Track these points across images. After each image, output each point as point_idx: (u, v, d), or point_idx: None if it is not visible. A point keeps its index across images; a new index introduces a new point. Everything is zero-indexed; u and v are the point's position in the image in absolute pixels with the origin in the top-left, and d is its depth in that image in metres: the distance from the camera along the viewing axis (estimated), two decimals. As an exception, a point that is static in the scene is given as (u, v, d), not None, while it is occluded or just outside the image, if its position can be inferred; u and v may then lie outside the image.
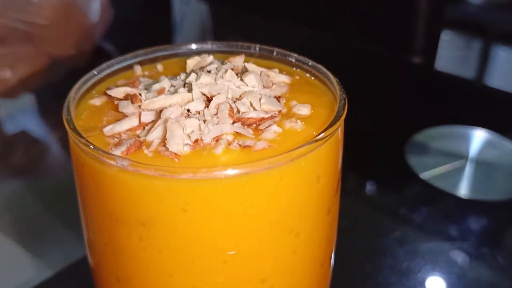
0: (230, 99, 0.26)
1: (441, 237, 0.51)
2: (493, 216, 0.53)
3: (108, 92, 0.27)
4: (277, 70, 0.30)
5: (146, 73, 0.31)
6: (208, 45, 0.32)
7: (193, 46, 0.32)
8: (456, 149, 0.63)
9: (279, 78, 0.29)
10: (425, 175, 0.59)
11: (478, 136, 0.66)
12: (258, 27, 0.98)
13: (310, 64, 0.30)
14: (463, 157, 0.62)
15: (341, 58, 0.89)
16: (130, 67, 0.31)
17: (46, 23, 0.73)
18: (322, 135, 0.23)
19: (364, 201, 0.57)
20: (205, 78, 0.26)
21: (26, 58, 0.73)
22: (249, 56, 0.32)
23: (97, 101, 0.28)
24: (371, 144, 0.67)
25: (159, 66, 0.31)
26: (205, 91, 0.25)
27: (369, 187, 0.60)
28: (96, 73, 0.29)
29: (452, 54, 0.92)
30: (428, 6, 0.82)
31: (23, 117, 0.76)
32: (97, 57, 0.83)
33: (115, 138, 0.24)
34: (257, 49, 0.32)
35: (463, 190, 0.57)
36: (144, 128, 0.25)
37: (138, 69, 0.30)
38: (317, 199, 0.25)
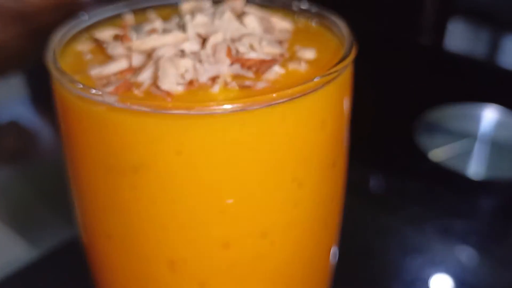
0: (229, 39, 0.24)
1: (449, 216, 0.50)
2: (503, 195, 0.52)
3: (96, 34, 0.25)
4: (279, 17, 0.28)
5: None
6: (204, -5, 0.30)
7: (188, -5, 0.30)
8: (465, 128, 0.62)
9: (282, 25, 0.27)
10: (433, 154, 0.57)
11: (488, 115, 0.65)
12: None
13: (314, 10, 0.28)
14: (473, 136, 0.60)
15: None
16: (119, 16, 0.29)
17: (38, 1, 0.71)
18: (328, 73, 0.21)
19: (372, 179, 0.56)
20: (201, 18, 0.24)
21: (17, 36, 0.72)
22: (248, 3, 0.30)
23: (84, 47, 0.26)
24: (380, 122, 0.65)
25: (152, 15, 0.29)
26: (201, 31, 0.24)
27: (377, 166, 0.59)
28: (83, 19, 0.27)
29: (462, 36, 0.90)
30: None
31: (13, 102, 0.75)
32: (75, 12, 0.82)
33: (104, 80, 0.22)
34: (257, -2, 0.30)
35: (472, 169, 0.56)
36: (134, 72, 0.23)
37: (129, 17, 0.28)
38: (322, 147, 0.23)
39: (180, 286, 0.24)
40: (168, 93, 0.21)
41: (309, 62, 0.24)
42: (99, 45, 0.25)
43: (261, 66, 0.23)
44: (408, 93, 0.72)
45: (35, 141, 0.68)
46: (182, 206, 0.21)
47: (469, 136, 0.60)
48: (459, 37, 0.84)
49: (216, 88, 0.21)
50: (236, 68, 0.22)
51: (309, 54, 0.24)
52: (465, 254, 0.46)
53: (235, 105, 0.19)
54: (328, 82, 0.22)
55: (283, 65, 0.23)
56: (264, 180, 0.22)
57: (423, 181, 0.56)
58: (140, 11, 0.29)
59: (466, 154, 0.58)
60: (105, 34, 0.25)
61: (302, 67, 0.23)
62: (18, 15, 0.72)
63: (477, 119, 0.64)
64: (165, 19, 0.28)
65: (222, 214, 0.22)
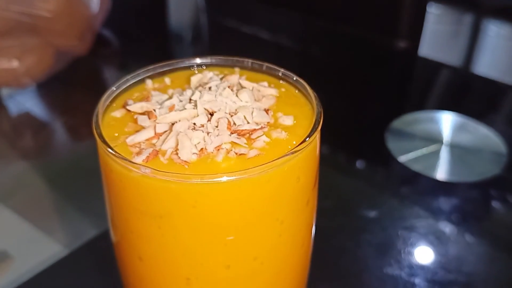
0: (228, 113, 0.32)
1: (417, 215, 0.57)
2: (466, 196, 0.59)
3: (128, 107, 0.33)
4: (266, 84, 0.36)
5: (156, 85, 0.36)
6: (208, 60, 0.38)
7: (197, 61, 0.38)
8: (432, 134, 0.69)
9: (268, 92, 0.35)
10: (403, 159, 0.64)
11: (454, 121, 0.71)
12: (251, 9, 1.03)
13: (294, 78, 0.36)
14: (439, 141, 0.67)
15: (329, 42, 0.94)
16: (142, 81, 0.37)
17: (50, 15, 0.77)
18: (300, 146, 0.30)
19: (346, 184, 0.63)
20: (207, 96, 0.32)
21: (33, 49, 0.78)
22: (243, 68, 0.38)
23: (118, 114, 0.33)
24: (353, 130, 0.73)
25: (167, 80, 0.37)
26: (208, 107, 0.31)
27: (351, 171, 0.65)
28: (115, 89, 0.34)
29: (437, 40, 0.95)
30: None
31: (30, 103, 0.80)
32: (98, 45, 0.89)
33: (136, 147, 0.30)
34: (250, 63, 0.38)
35: (438, 172, 0.62)
36: (159, 137, 0.31)
37: (149, 83, 0.36)
38: (297, 194, 0.31)
39: (194, 295, 0.32)
40: (185, 162, 0.29)
41: (288, 128, 0.32)
42: (130, 113, 0.33)
43: (252, 134, 0.31)
44: (384, 100, 0.79)
45: (50, 138, 0.74)
46: (195, 241, 0.30)
47: (435, 141, 0.68)
48: (434, 42, 0.90)
49: (220, 158, 0.29)
50: (234, 137, 0.30)
51: (288, 121, 0.32)
52: (429, 251, 0.52)
53: (233, 177, 0.28)
54: (301, 151, 0.30)
55: (268, 134, 0.31)
56: (255, 222, 0.30)
57: (393, 183, 0.64)
58: (158, 75, 0.37)
59: (432, 158, 0.65)
60: (135, 107, 0.33)
61: (283, 136, 0.31)
62: (32, 28, 0.77)
63: (442, 125, 0.71)
64: (177, 82, 0.36)
65: (225, 246, 0.30)
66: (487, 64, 0.91)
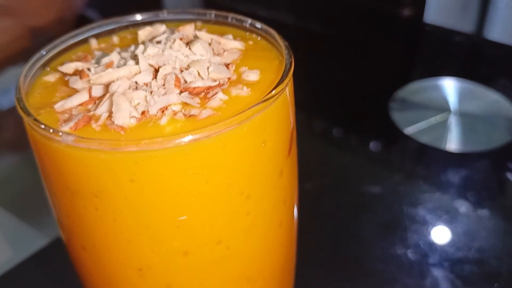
0: (178, 69, 0.26)
1: (424, 189, 0.52)
2: (477, 167, 0.54)
3: (59, 68, 0.27)
4: (231, 36, 0.30)
5: (103, 45, 0.31)
6: (164, 14, 0.32)
7: (149, 15, 0.32)
8: (439, 102, 0.64)
9: (232, 45, 0.29)
10: (409, 130, 0.59)
11: (461, 88, 0.66)
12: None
13: (260, 27, 0.30)
14: (447, 109, 0.62)
15: (331, 12, 0.88)
16: (86, 40, 0.31)
17: None
18: (263, 100, 0.24)
19: (347, 159, 0.58)
20: (152, 50, 0.26)
21: (6, 31, 0.73)
22: (205, 22, 0.32)
23: (51, 78, 0.28)
24: (355, 101, 0.67)
25: (115, 38, 0.31)
26: (153, 63, 0.26)
27: (352, 145, 0.60)
28: (44, 53, 0.29)
29: (443, 3, 0.89)
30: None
31: (11, 92, 0.76)
32: (80, 25, 0.83)
33: (66, 114, 0.25)
34: (213, 15, 0.32)
35: (447, 143, 0.57)
36: (95, 102, 0.25)
37: (93, 43, 0.31)
38: (265, 162, 0.26)
39: (150, 288, 0.27)
40: (121, 127, 0.23)
41: (252, 85, 0.26)
42: (65, 76, 0.28)
43: (207, 93, 0.25)
44: (386, 69, 0.73)
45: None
46: (139, 224, 0.24)
47: (442, 110, 0.62)
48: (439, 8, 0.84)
49: (164, 120, 0.24)
50: (185, 96, 0.25)
51: (253, 76, 0.27)
52: (437, 229, 0.47)
53: (177, 140, 0.22)
54: (265, 107, 0.24)
55: (227, 91, 0.25)
56: (212, 197, 0.24)
57: (399, 157, 0.58)
58: (106, 33, 0.32)
59: (439, 128, 0.60)
60: (67, 67, 0.27)
61: (245, 92, 0.25)
62: (4, 9, 0.73)
63: (449, 93, 0.65)
64: (126, 41, 0.31)
65: (178, 228, 0.25)
66: (498, 29, 0.84)
